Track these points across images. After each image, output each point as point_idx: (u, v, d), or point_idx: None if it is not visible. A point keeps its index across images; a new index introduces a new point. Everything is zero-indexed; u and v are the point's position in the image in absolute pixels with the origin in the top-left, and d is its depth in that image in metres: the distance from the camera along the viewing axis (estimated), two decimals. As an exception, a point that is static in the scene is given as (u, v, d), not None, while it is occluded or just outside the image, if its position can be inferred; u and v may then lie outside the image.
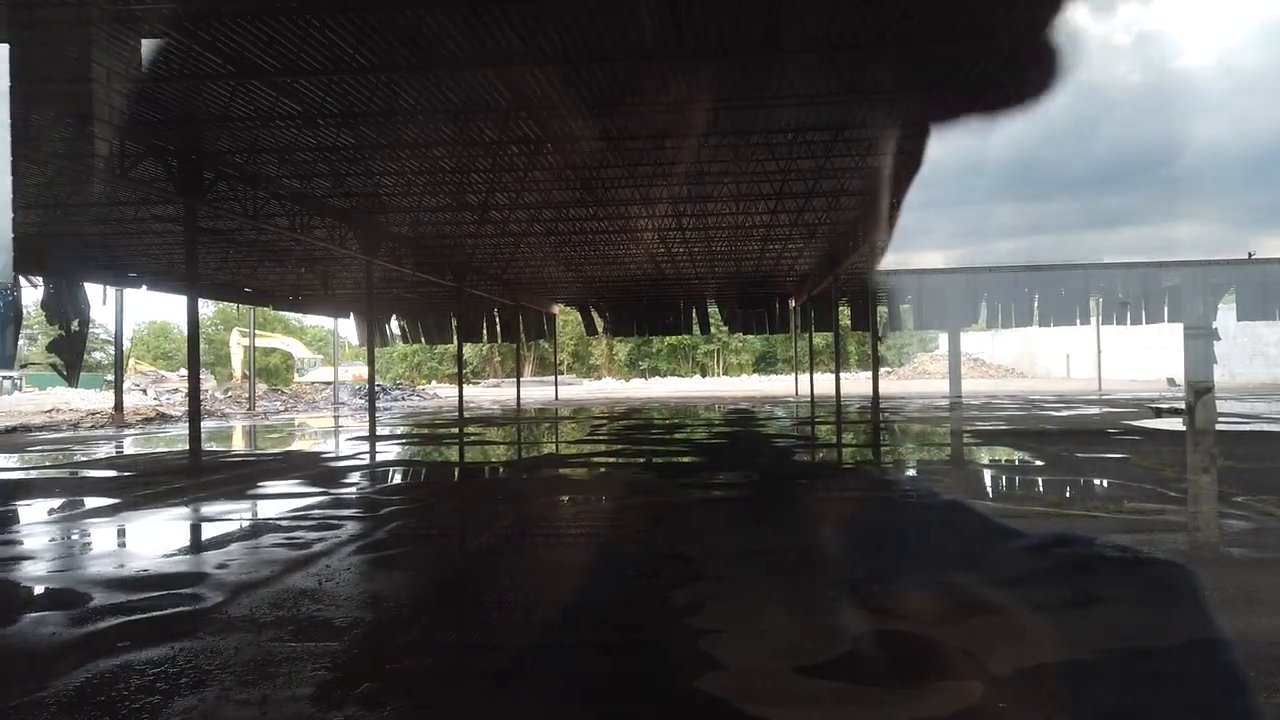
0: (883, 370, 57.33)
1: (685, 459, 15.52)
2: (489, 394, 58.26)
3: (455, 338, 37.40)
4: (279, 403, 43.61)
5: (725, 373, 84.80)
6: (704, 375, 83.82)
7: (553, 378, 51.60)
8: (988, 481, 12.35)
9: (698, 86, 12.48)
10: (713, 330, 56.77)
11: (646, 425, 25.09)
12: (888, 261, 30.04)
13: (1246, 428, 19.47)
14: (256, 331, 45.01)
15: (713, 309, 44.28)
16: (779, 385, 57.34)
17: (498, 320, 42.13)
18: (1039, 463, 13.96)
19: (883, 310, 40.71)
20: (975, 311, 41.20)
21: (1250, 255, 30.32)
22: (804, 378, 40.92)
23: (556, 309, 45.43)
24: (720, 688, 4.34)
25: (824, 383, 36.72)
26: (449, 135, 14.86)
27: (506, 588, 6.62)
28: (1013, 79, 11.11)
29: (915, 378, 65.52)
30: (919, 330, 49.79)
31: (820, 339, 40.71)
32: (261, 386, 47.13)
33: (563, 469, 14.44)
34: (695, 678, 4.49)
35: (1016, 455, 15.25)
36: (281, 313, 53.92)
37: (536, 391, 54.56)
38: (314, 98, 12.62)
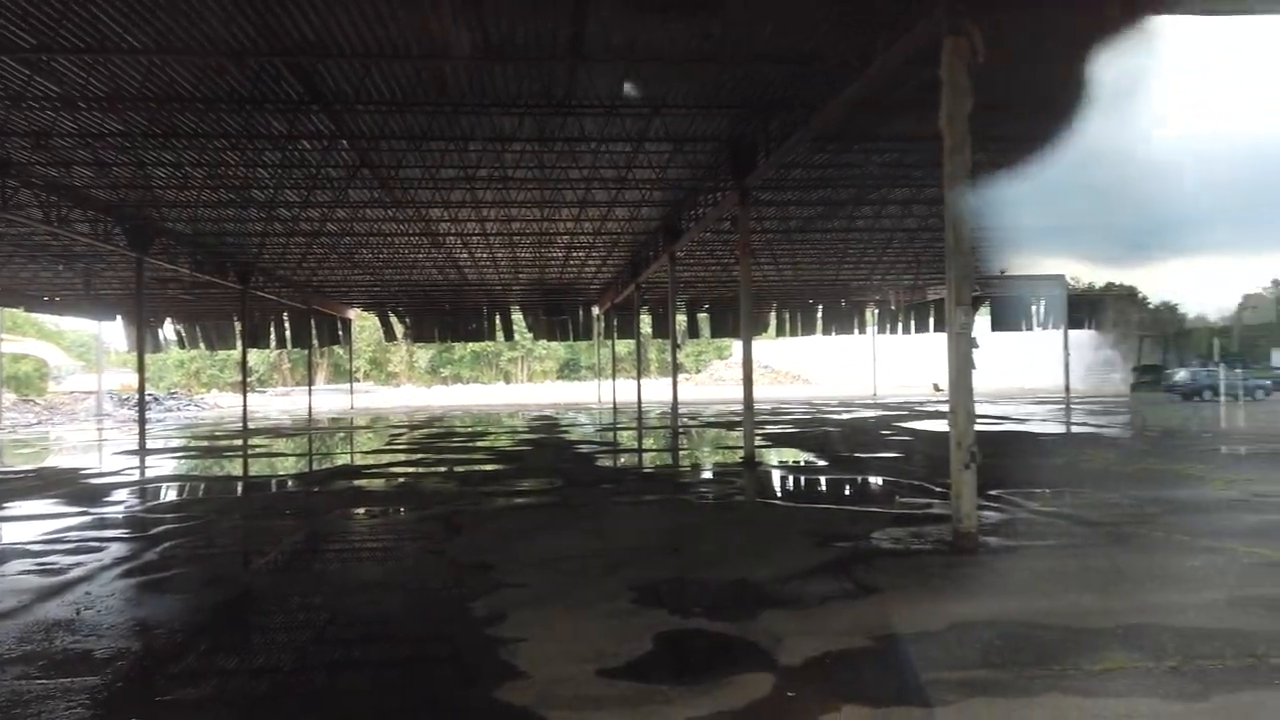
0: (682, 377, 59.14)
1: (488, 467, 15.31)
2: (278, 403, 54.98)
3: (240, 343, 35.03)
4: (31, 414, 39.13)
5: (529, 380, 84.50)
6: (508, 382, 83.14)
7: (348, 385, 49.48)
8: (777, 482, 12.98)
9: (501, 89, 12.36)
10: (517, 337, 56.42)
11: (448, 434, 24.56)
12: (691, 272, 31.12)
13: (998, 428, 21.62)
14: (4, 335, 40.19)
15: (517, 315, 44.06)
16: (583, 392, 57.82)
17: (288, 325, 39.84)
18: (823, 463, 14.85)
19: (682, 319, 42.09)
20: (766, 320, 43.44)
21: (1001, 273, 33.79)
22: (607, 385, 41.49)
23: (353, 313, 43.58)
24: (522, 697, 4.30)
25: (627, 389, 37.40)
26: (233, 126, 13.89)
27: (295, 607, 6.24)
28: (809, 96, 11.76)
29: (712, 384, 68.04)
30: (715, 338, 51.75)
31: (623, 346, 41.45)
32: (10, 396, 42.11)
33: (358, 480, 13.85)
34: (496, 688, 4.42)
35: (804, 457, 16.15)
36: (35, 315, 48.44)
37: (331, 400, 52.05)
38: (75, 78, 11.42)
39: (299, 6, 9.50)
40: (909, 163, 17.14)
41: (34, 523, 10.16)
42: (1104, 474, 12.65)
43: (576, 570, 7.04)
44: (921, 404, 34.10)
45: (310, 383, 43.56)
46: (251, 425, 29.31)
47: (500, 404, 45.94)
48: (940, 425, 21.49)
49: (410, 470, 15.03)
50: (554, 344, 72.98)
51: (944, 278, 7.81)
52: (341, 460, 17.97)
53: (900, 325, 44.26)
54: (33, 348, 50.22)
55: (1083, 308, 41.80)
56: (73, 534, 9.23)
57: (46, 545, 8.60)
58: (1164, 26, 10.71)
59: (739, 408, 15.40)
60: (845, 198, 20.50)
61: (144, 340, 24.07)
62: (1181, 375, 36.54)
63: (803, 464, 15.12)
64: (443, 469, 15.05)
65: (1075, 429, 22.15)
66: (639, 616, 5.68)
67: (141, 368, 23.88)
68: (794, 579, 6.58)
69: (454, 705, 4.33)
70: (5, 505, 11.60)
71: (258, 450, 20.70)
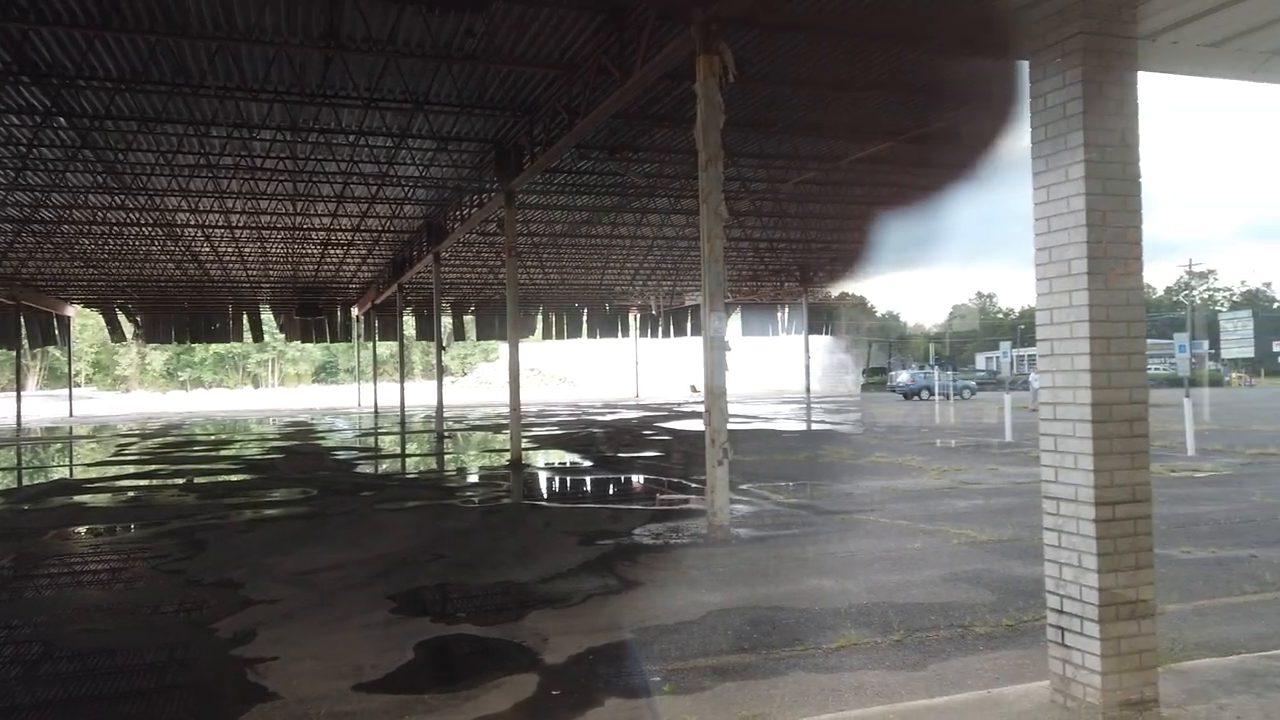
0: (448, 380, 57.99)
1: (234, 477, 14.26)
2: (-24, 411, 48.17)
3: (-74, 343, 30.34)
4: None
5: (282, 384, 79.58)
6: (257, 387, 77.87)
7: (67, 391, 44.19)
8: (543, 483, 13.07)
9: (248, 73, 11.56)
10: (267, 339, 52.89)
11: (188, 442, 22.59)
12: (457, 273, 30.59)
13: (749, 426, 23.02)
14: None
15: (267, 315, 41.30)
16: (341, 396, 55.14)
17: (-11, 322, 34.94)
18: (588, 463, 15.13)
19: (447, 321, 41.30)
20: (533, 323, 43.61)
21: (751, 281, 35.98)
22: (368, 388, 39.87)
23: (72, 310, 38.97)
24: (273, 719, 4.05)
25: (389, 393, 36.15)
26: (-83, 92, 12.04)
27: (1, 641, 5.50)
28: (574, 103, 11.92)
29: (479, 387, 67.29)
30: (481, 340, 51.26)
31: (384, 348, 40.01)
32: None
33: (80, 496, 12.43)
34: (243, 713, 4.13)
35: (569, 458, 16.37)
36: None
37: (45, 407, 46.26)
38: None
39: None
40: (669, 173, 17.85)
41: None
42: (839, 467, 13.81)
43: (333, 583, 6.72)
44: (680, 405, 35.62)
45: (19, 388, 38.47)
46: (-59, 437, 25.45)
47: (249, 410, 42.85)
48: (697, 425, 22.54)
49: (143, 483, 13.68)
50: (309, 346, 69.27)
51: (700, 285, 8.22)
52: (59, 474, 16.05)
53: (660, 329, 45.97)
54: None
55: (821, 315, 45.39)
56: None
57: None
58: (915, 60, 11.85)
59: (506, 410, 15.36)
60: (609, 204, 21.02)
61: None
62: (903, 377, 40.78)
63: (568, 465, 15.32)
64: (181, 481, 13.83)
65: (815, 426, 24.00)
66: (400, 626, 5.52)
67: None
68: (559, 578, 6.65)
69: (195, 735, 4.00)
70: None
71: (-50, 466, 18.02)
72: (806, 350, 36.35)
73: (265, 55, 10.96)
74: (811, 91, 12.91)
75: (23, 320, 34.85)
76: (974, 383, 40.66)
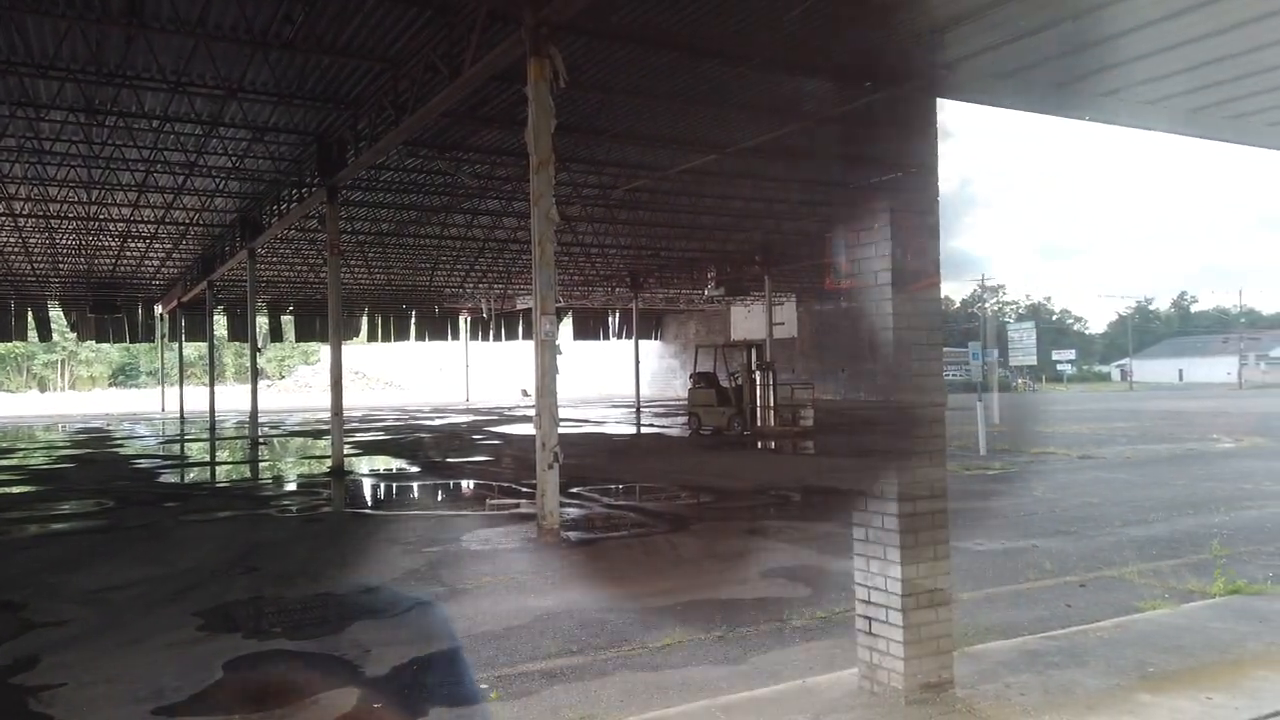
0: (264, 383, 54.93)
1: (16, 489, 12.95)
2: None
3: None
4: None
5: (73, 387, 72.96)
6: (44, 390, 71.00)
7: None
8: (368, 491, 12.63)
9: (35, 47, 10.54)
10: (56, 338, 48.30)
11: (-43, 451, 20.30)
12: (274, 271, 29.02)
13: (579, 430, 23.14)
14: None
15: (56, 312, 37.70)
16: (143, 401, 51.10)
17: None
18: (415, 469, 14.74)
19: (263, 321, 39.13)
20: (357, 325, 42.05)
21: (583, 285, 36.19)
22: (173, 392, 37.15)
23: None
24: (58, 752, 3.71)
25: (198, 397, 33.89)
26: None
27: None
28: (400, 99, 11.59)
29: (299, 391, 64.17)
30: (300, 342, 48.92)
31: (193, 349, 37.42)
32: None
33: None
34: (23, 747, 3.76)
35: (395, 464, 15.89)
36: None
37: None
38: None
39: None
40: (500, 175, 17.68)
41: None
42: (666, 470, 14.11)
43: (132, 601, 6.23)
44: (511, 409, 35.32)
45: None
46: None
47: (35, 415, 38.97)
48: (528, 429, 22.43)
49: (-100, 498, 12.20)
50: (105, 346, 63.77)
51: (531, 288, 8.20)
52: None
53: (492, 333, 45.45)
54: None
55: (651, 321, 46.31)
56: None
57: None
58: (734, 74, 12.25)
59: (327, 415, 14.72)
60: (438, 204, 20.58)
61: None
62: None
63: (395, 471, 14.86)
64: (-51, 495, 12.43)
65: (644, 429, 24.42)
66: (207, 644, 5.19)
67: None
68: (383, 588, 6.46)
69: (-37, 776, 3.61)
70: None
71: None
72: (636, 355, 36.94)
73: (56, 28, 10.03)
74: (642, 101, 13.14)
75: None
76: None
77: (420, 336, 44.41)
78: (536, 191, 7.96)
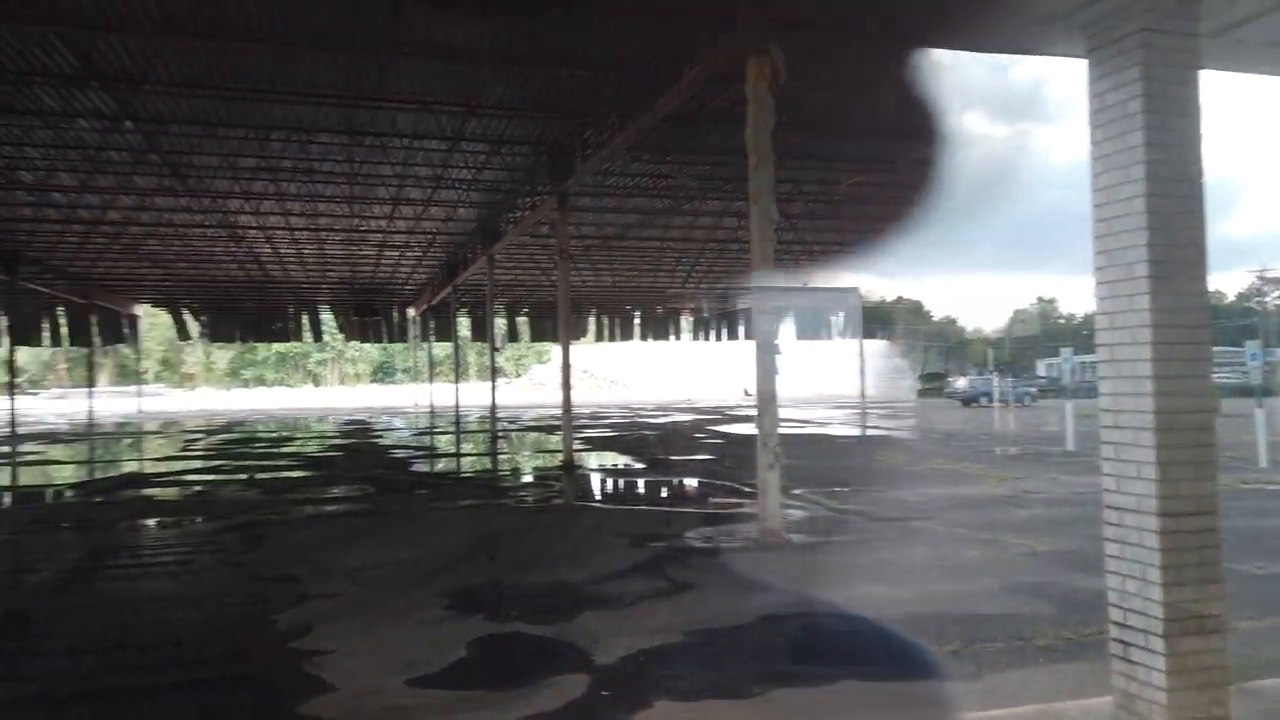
0: (501, 381, 58.50)
1: (294, 474, 14.56)
2: (52, 406, 49.97)
3: (5, 340, 31.53)
4: None
5: (341, 383, 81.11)
6: (317, 386, 79.44)
7: (136, 388, 45.62)
8: (595, 485, 13.12)
9: (306, 77, 11.80)
10: (327, 339, 53.92)
11: (250, 439, 23.15)
12: (510, 275, 30.85)
13: (801, 430, 22.83)
14: None
15: (326, 315, 42.10)
16: (398, 396, 56.05)
17: (64, 320, 36.18)
18: (640, 465, 15.14)
19: (501, 322, 41.67)
20: (585, 325, 43.79)
21: (805, 285, 35.68)
22: (423, 388, 40.44)
23: (141, 310, 40.19)
24: (328, 711, 4.13)
25: (445, 393, 36.63)
26: (-5, 100, 12.51)
27: (74, 630, 5.69)
28: (625, 106, 11.95)
29: (532, 388, 67.80)
30: (535, 342, 51.66)
31: (440, 349, 40.52)
32: None
33: (149, 489, 12.80)
34: (300, 704, 4.22)
35: (621, 460, 16.40)
36: None
37: (116, 403, 47.81)
38: None
39: (77, -27, 8.71)
40: (721, 175, 17.78)
41: None
42: (894, 473, 13.62)
43: (389, 579, 6.83)
44: (733, 408, 35.47)
45: (91, 384, 39.83)
46: (22, 431, 26.43)
47: (308, 408, 43.77)
48: (749, 428, 22.44)
49: (207, 478, 14.06)
50: (367, 346, 70.43)
51: (752, 288, 8.18)
52: (129, 468, 16.55)
53: (713, 332, 45.83)
54: None
55: (876, 319, 44.87)
56: None
57: None
58: (957, 60, 11.69)
59: (558, 412, 15.45)
60: (660, 207, 21.01)
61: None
62: (961, 383, 40.05)
63: (620, 467, 15.35)
64: (244, 476, 14.18)
65: (869, 431, 23.70)
66: (453, 623, 5.59)
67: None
68: (610, 579, 6.67)
69: (254, 726, 4.10)
70: None
71: (29, 458, 18.71)
72: (861, 354, 35.93)
73: (323, 60, 11.18)
74: (864, 93, 12.76)
75: (94, 319, 36.07)
76: (1035, 389, 39.73)
77: (644, 336, 45.54)
78: (756, 190, 7.94)
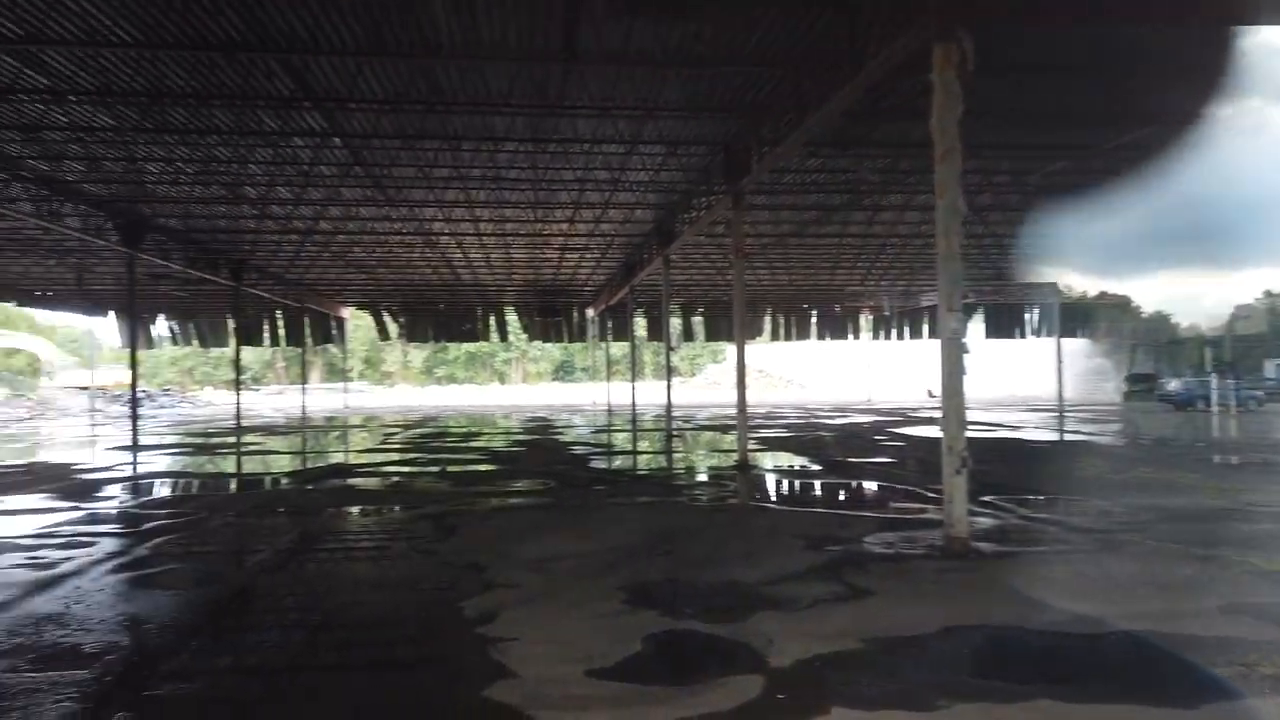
0: (676, 380, 59.14)
1: (481, 467, 15.28)
2: (271, 401, 54.89)
3: (233, 340, 34.94)
4: (23, 409, 38.97)
5: (524, 381, 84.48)
6: (502, 384, 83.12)
7: (342, 385, 49.35)
8: (770, 485, 12.99)
9: (493, 89, 12.34)
10: (511, 338, 56.35)
11: (441, 434, 24.52)
12: (685, 275, 31.11)
13: (991, 434, 21.67)
14: (-6, 330, 40.01)
15: (511, 316, 44.01)
16: (578, 394, 57.79)
17: (281, 322, 39.74)
18: (816, 467, 14.86)
19: (676, 322, 42.08)
20: (760, 325, 43.48)
21: (995, 280, 33.84)
22: (601, 387, 41.48)
23: (347, 312, 43.47)
24: (511, 696, 4.28)
25: (621, 392, 37.40)
26: (224, 122, 13.88)
27: (288, 606, 6.22)
28: (801, 101, 11.77)
29: (707, 387, 68.08)
30: (709, 341, 51.81)
31: (617, 348, 41.45)
32: (2, 391, 41.91)
33: (351, 479, 13.81)
34: (486, 687, 4.41)
35: (797, 461, 16.15)
36: (27, 310, 48.23)
37: (325, 399, 51.96)
38: (65, 71, 11.39)
39: (289, 2, 9.49)
40: (902, 168, 17.18)
41: (25, 517, 10.12)
42: (1097, 481, 12.68)
43: (568, 571, 7.02)
44: (915, 410, 34.17)
45: (304, 381, 43.47)
46: (245, 423, 29.23)
47: (494, 405, 45.87)
48: (933, 431, 21.52)
49: (403, 470, 14.99)
50: (548, 345, 72.99)
51: (936, 284, 7.83)
52: (336, 459, 17.92)
53: (894, 331, 44.38)
54: (25, 343, 50.05)
55: (1076, 316, 41.91)
56: (64, 529, 9.19)
57: (37, 540, 8.57)
58: (1164, 36, 10.75)
59: (733, 411, 15.41)
60: (839, 203, 20.55)
61: (136, 336, 23.97)
62: (1174, 385, 36.69)
63: (796, 468, 15.12)
64: (435, 469, 15.02)
65: (1068, 436, 22.20)
66: (630, 617, 5.67)
67: (134, 364, 23.79)
68: (786, 581, 6.57)
69: (444, 704, 4.31)
70: (-6, 501, 11.55)
71: (250, 448, 20.64)
72: (1059, 354, 33.72)
73: (509, 71, 11.67)
74: (1060, 78, 11.96)
75: (307, 321, 39.35)
76: (1261, 392, 35.84)
77: (821, 335, 44.70)
78: (941, 183, 7.60)
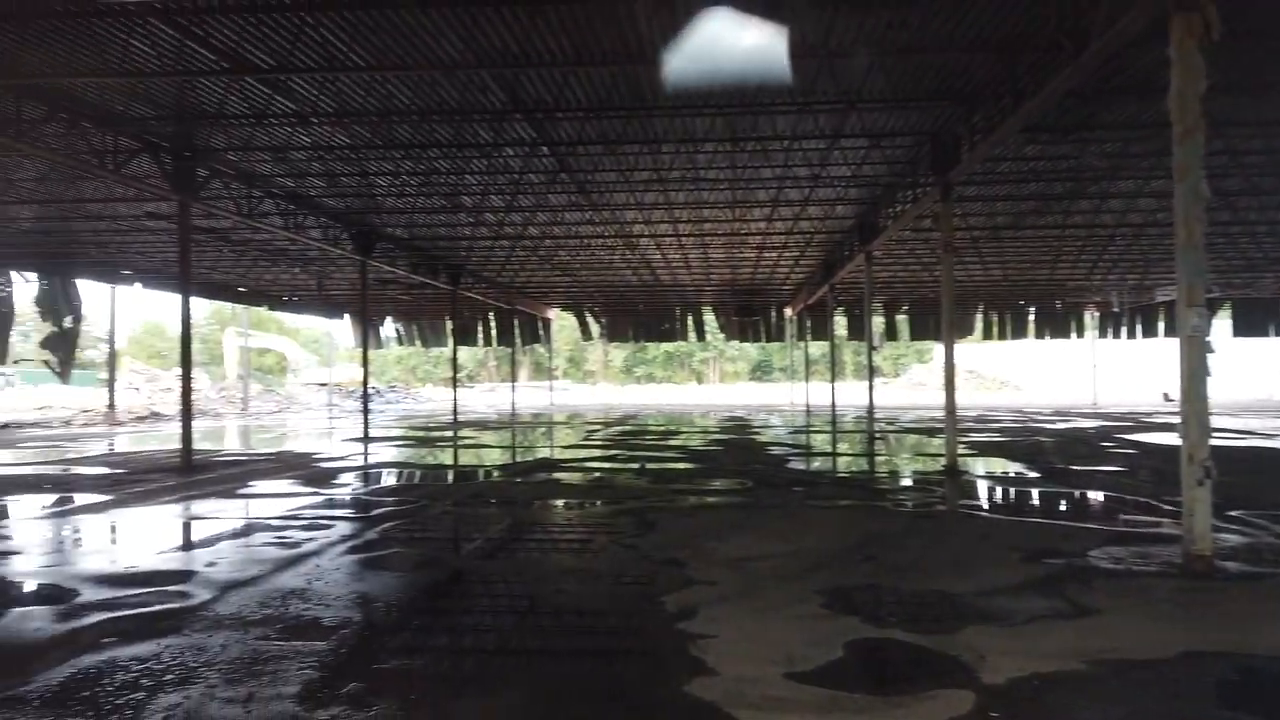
0: (879, 381, 57.32)
1: (679, 465, 15.47)
2: (483, 398, 58.13)
3: (450, 341, 37.34)
4: (272, 403, 43.45)
5: (721, 380, 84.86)
6: (699, 383, 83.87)
7: (548, 383, 51.53)
8: (982, 492, 12.30)
9: (693, 91, 12.44)
10: (709, 338, 56.72)
11: (641, 431, 25.04)
12: (889, 272, 30.12)
13: (1240, 443, 19.47)
14: (251, 331, 44.88)
15: (709, 316, 44.31)
16: (775, 394, 57.31)
17: (493, 324, 42.06)
18: (1034, 474, 13.93)
19: (878, 321, 40.79)
20: (971, 323, 41.33)
21: (1243, 271, 30.39)
22: (799, 387, 40.92)
23: (552, 313, 45.37)
24: (710, 693, 4.30)
25: (820, 392, 36.73)
26: (444, 137, 14.84)
27: (499, 593, 6.56)
28: (1016, 85, 11.09)
29: (911, 389, 65.56)
30: (915, 341, 49.83)
31: (816, 348, 40.72)
32: (256, 387, 46.96)
33: (557, 473, 14.37)
34: (685, 683, 4.44)
35: (1012, 467, 15.21)
36: (276, 313, 53.79)
37: (531, 396, 54.48)
38: (308, 96, 12.57)
39: (503, 19, 10.00)
40: (1133, 152, 15.81)
41: (274, 500, 11.27)
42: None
43: (766, 572, 6.96)
44: (1148, 415, 31.29)
45: (513, 379, 45.74)
46: (460, 418, 31.16)
47: (692, 404, 46.33)
48: (1170, 438, 19.65)
49: (605, 466, 15.43)
50: (745, 345, 72.94)
51: (1174, 277, 7.11)
52: (542, 454, 18.73)
53: (1124, 329, 40.94)
54: (274, 343, 55.71)
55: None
56: (306, 512, 10.15)
57: (284, 521, 9.51)
58: None
59: (940, 414, 14.74)
60: (1060, 192, 19.18)
61: (367, 337, 26.12)
62: None
63: (1011, 474, 14.25)
64: (635, 466, 15.35)
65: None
66: (830, 622, 5.55)
67: (365, 363, 25.96)
68: (999, 594, 6.20)
69: (644, 696, 4.38)
70: (251, 484, 12.93)
71: (466, 442, 21.96)
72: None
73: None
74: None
75: (516, 322, 41.39)
76: None
77: (1039, 334, 41.95)
78: (1181, 165, 6.90)
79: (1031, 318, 41.36)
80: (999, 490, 12.52)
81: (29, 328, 48.75)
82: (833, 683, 4.47)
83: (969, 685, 4.39)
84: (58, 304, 28.17)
